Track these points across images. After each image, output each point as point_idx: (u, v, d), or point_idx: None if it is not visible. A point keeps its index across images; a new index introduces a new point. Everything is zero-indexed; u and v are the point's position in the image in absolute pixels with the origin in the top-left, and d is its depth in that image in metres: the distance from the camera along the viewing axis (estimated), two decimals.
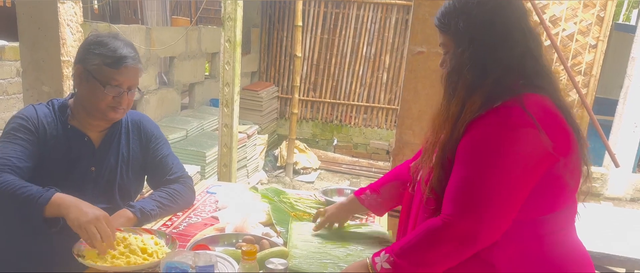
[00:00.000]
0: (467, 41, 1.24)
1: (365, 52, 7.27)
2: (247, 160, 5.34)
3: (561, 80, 4.98)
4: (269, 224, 1.81)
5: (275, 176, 6.15)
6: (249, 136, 5.30)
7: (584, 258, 1.31)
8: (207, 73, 6.47)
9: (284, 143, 6.51)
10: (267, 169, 6.22)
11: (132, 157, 1.84)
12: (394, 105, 7.24)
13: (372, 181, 1.77)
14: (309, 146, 6.87)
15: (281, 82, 7.60)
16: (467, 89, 1.24)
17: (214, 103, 5.99)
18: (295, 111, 6.03)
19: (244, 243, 1.54)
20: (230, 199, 1.94)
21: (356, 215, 1.93)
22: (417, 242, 1.22)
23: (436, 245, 1.19)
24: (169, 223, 1.80)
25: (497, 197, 1.15)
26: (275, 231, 1.74)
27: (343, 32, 7.30)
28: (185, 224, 1.80)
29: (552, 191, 1.21)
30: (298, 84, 6.03)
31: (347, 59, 7.34)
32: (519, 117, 1.16)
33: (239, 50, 3.76)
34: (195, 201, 1.99)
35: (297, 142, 6.37)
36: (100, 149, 1.78)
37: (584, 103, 4.99)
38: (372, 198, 1.70)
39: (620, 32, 7.10)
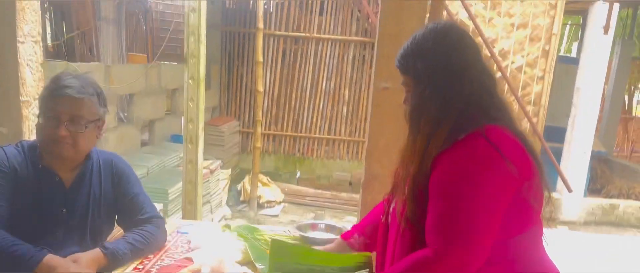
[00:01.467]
0: (426, 80, 1.32)
1: (325, 87, 7.39)
2: (210, 196, 5.27)
3: (513, 110, 5.22)
4: (245, 263, 1.80)
5: (239, 210, 6.08)
6: (211, 172, 5.24)
7: None
8: (167, 109, 6.41)
9: (247, 177, 6.48)
10: (230, 204, 6.15)
11: (104, 197, 1.81)
12: (355, 137, 7.36)
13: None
14: (272, 179, 6.85)
15: (242, 116, 7.60)
16: (431, 125, 1.31)
17: (175, 138, 5.92)
18: (258, 145, 6.03)
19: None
20: (202, 239, 1.92)
21: None
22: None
23: None
24: (140, 266, 1.76)
25: (479, 224, 1.21)
26: (254, 270, 1.73)
27: (302, 67, 7.42)
28: (157, 267, 1.77)
29: (518, 213, 1.29)
30: (260, 119, 6.05)
31: (307, 93, 7.43)
32: (484, 147, 1.23)
33: (202, 86, 3.77)
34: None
35: (261, 176, 6.34)
36: (72, 190, 1.75)
37: (536, 131, 5.22)
38: (360, 241, 1.71)
39: (564, 64, 7.52)
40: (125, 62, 7.64)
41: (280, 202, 6.45)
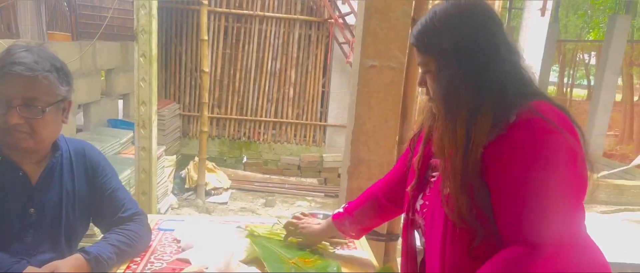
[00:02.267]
0: (457, 62, 1.18)
1: (270, 67, 7.14)
2: (156, 184, 4.92)
3: None
4: (250, 261, 1.59)
5: (186, 199, 5.76)
6: (157, 158, 4.89)
7: (601, 259, 1.27)
8: (102, 92, 5.91)
9: (192, 164, 6.15)
10: (175, 192, 5.81)
11: (78, 193, 1.53)
12: (302, 120, 7.18)
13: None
14: (217, 165, 6.55)
15: (183, 99, 7.19)
16: (469, 111, 1.17)
17: (113, 123, 5.47)
18: (206, 129, 5.71)
19: None
20: (194, 236, 1.69)
21: (336, 240, 1.79)
22: None
23: None
24: (128, 272, 1.51)
25: (568, 210, 1.12)
26: (262, 269, 1.53)
27: (246, 47, 7.12)
28: (148, 271, 1.52)
29: (579, 184, 1.18)
30: (207, 101, 5.73)
31: (252, 74, 7.15)
32: (545, 126, 1.11)
33: (155, 65, 3.44)
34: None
35: (206, 161, 6.04)
36: (39, 187, 1.45)
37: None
38: (350, 226, 1.63)
39: None
40: (46, 41, 6.97)
41: (227, 189, 6.19)
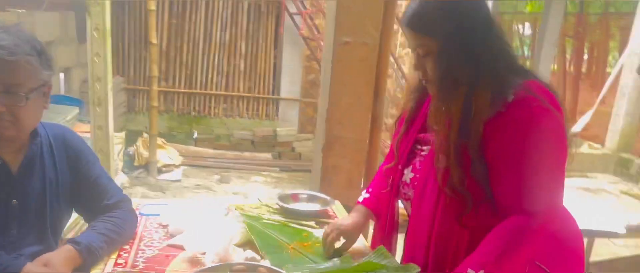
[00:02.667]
0: (459, 41, 1.24)
1: (219, 38, 6.95)
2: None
3: None
4: (243, 244, 1.58)
5: (136, 177, 5.58)
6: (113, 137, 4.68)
7: (574, 223, 1.42)
8: None
9: (140, 140, 5.93)
10: (125, 171, 5.60)
11: (61, 182, 1.45)
12: (254, 93, 7.07)
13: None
14: (166, 141, 6.35)
15: (127, 71, 6.89)
16: (468, 88, 1.25)
17: (56, 99, 5.16)
18: (155, 104, 5.51)
19: None
20: (182, 221, 1.65)
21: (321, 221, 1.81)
22: (508, 244, 1.21)
23: (529, 241, 1.23)
24: (121, 261, 1.46)
25: (561, 182, 1.25)
26: (257, 252, 1.52)
27: (193, 17, 6.87)
28: (141, 260, 1.48)
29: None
30: (156, 74, 5.51)
31: (200, 46, 6.93)
32: (540, 107, 1.22)
33: (109, 40, 3.26)
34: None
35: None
36: (21, 176, 1.37)
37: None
38: (381, 207, 1.60)
39: None
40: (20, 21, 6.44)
41: (179, 165, 6.03)
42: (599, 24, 11.90)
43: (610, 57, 14.33)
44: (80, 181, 1.50)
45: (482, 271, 1.18)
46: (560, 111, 1.25)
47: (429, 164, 1.37)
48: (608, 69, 13.02)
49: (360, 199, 1.63)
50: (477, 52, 1.24)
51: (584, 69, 14.06)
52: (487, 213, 1.27)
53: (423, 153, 1.42)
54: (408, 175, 1.45)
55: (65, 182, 1.47)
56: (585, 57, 14.53)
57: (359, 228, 1.56)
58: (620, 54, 7.53)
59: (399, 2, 3.49)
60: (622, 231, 2.57)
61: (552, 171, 1.23)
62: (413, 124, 1.48)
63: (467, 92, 1.25)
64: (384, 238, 1.58)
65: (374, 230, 1.67)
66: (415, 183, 1.42)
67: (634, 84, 6.89)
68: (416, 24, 1.28)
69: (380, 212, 1.59)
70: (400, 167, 1.48)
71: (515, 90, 1.23)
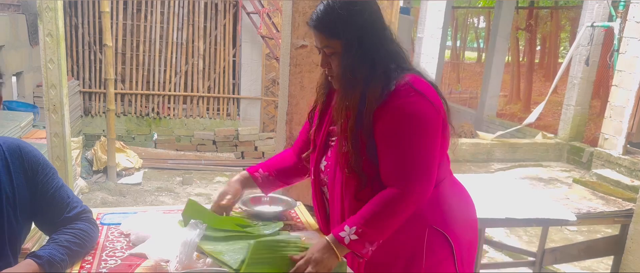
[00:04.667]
0: (358, 42, 1.43)
1: (176, 38, 6.87)
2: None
3: None
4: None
5: (95, 182, 5.47)
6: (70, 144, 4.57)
7: (466, 194, 1.67)
8: None
9: (98, 144, 5.82)
10: (84, 176, 5.49)
11: (19, 197, 1.43)
12: (214, 93, 7.03)
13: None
14: (125, 143, 6.25)
15: (82, 75, 6.72)
16: (364, 81, 1.44)
17: (9, 105, 5.01)
18: (112, 107, 5.41)
19: None
20: (144, 229, 1.65)
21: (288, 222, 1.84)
22: (380, 210, 1.42)
23: (399, 211, 1.42)
24: (83, 272, 1.46)
25: (430, 160, 1.44)
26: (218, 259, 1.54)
27: (149, 17, 6.77)
28: (104, 270, 1.48)
29: (441, 143, 1.51)
30: (112, 77, 5.40)
31: (157, 46, 6.84)
32: (415, 97, 1.42)
33: (62, 45, 3.19)
34: None
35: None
36: None
37: None
38: (264, 177, 1.76)
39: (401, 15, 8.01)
40: None
41: (139, 168, 5.95)
42: (549, 16, 12.33)
43: (561, 48, 14.88)
44: (38, 195, 1.48)
45: (354, 228, 1.40)
46: (437, 101, 1.44)
47: (336, 152, 1.56)
48: (560, 60, 13.53)
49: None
50: (374, 52, 1.43)
51: (537, 60, 14.56)
52: (380, 188, 1.46)
53: (332, 144, 1.61)
54: (322, 163, 1.64)
55: (22, 197, 1.45)
56: (538, 48, 15.05)
57: (235, 184, 1.72)
58: (570, 46, 7.85)
59: None
60: (573, 218, 2.69)
61: (423, 149, 1.42)
62: (325, 117, 1.65)
63: (364, 86, 1.44)
64: (324, 227, 1.74)
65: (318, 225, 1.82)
66: (328, 170, 1.61)
67: (583, 75, 7.18)
68: (323, 27, 1.45)
69: (261, 183, 1.77)
70: (318, 157, 1.64)
71: (396, 82, 1.43)
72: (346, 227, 1.41)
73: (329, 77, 1.54)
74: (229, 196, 1.69)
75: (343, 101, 1.47)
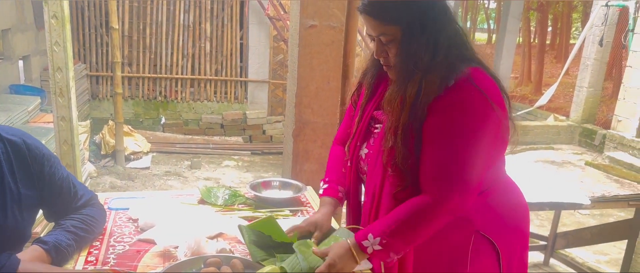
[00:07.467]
0: (419, 29, 1.28)
1: (183, 20, 6.81)
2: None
3: None
4: (214, 236, 1.57)
5: (104, 166, 5.47)
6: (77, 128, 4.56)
7: (521, 202, 1.52)
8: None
9: (106, 128, 5.81)
10: (92, 160, 5.48)
11: (24, 192, 1.38)
12: (222, 76, 6.97)
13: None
14: (133, 127, 6.24)
15: (89, 58, 6.69)
16: (423, 72, 1.29)
17: (17, 89, 5.00)
18: (119, 90, 5.38)
19: (213, 268, 1.31)
20: (153, 214, 1.62)
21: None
22: (408, 219, 1.29)
23: (429, 221, 1.29)
24: (91, 258, 1.43)
25: (475, 171, 1.29)
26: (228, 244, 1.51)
27: (155, 0, 6.70)
28: (112, 257, 1.45)
29: (497, 148, 1.37)
30: (119, 60, 5.37)
31: (164, 29, 6.78)
32: (475, 95, 1.27)
33: (68, 27, 3.13)
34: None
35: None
36: None
37: None
38: (345, 192, 1.61)
39: None
40: None
41: (147, 152, 5.95)
42: None
43: (573, 29, 14.64)
44: (45, 188, 1.43)
45: (378, 238, 1.28)
46: (500, 101, 1.29)
47: (380, 142, 1.43)
48: (572, 41, 13.32)
49: (320, 191, 1.63)
50: (436, 40, 1.28)
51: (548, 41, 14.34)
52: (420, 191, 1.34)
53: (376, 131, 1.48)
54: (363, 150, 1.51)
55: (28, 192, 1.39)
56: (550, 29, 14.82)
57: (328, 217, 1.55)
58: (583, 26, 7.69)
59: None
60: (587, 202, 2.64)
61: (467, 156, 1.26)
62: (370, 102, 1.52)
63: (421, 77, 1.29)
64: (355, 217, 1.62)
65: (346, 211, 1.69)
66: (369, 159, 1.49)
67: (596, 56, 7.06)
68: (378, 11, 1.30)
69: (344, 195, 1.61)
70: (358, 143, 1.53)
71: (456, 76, 1.28)
72: (370, 236, 1.29)
73: (385, 67, 1.39)
74: (317, 233, 1.50)
75: (399, 93, 1.32)
